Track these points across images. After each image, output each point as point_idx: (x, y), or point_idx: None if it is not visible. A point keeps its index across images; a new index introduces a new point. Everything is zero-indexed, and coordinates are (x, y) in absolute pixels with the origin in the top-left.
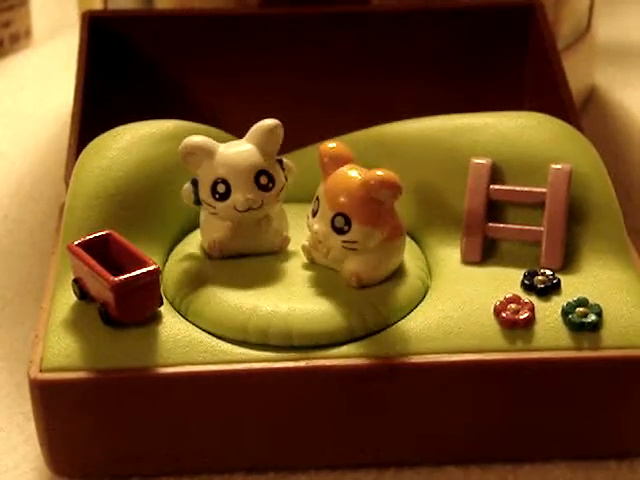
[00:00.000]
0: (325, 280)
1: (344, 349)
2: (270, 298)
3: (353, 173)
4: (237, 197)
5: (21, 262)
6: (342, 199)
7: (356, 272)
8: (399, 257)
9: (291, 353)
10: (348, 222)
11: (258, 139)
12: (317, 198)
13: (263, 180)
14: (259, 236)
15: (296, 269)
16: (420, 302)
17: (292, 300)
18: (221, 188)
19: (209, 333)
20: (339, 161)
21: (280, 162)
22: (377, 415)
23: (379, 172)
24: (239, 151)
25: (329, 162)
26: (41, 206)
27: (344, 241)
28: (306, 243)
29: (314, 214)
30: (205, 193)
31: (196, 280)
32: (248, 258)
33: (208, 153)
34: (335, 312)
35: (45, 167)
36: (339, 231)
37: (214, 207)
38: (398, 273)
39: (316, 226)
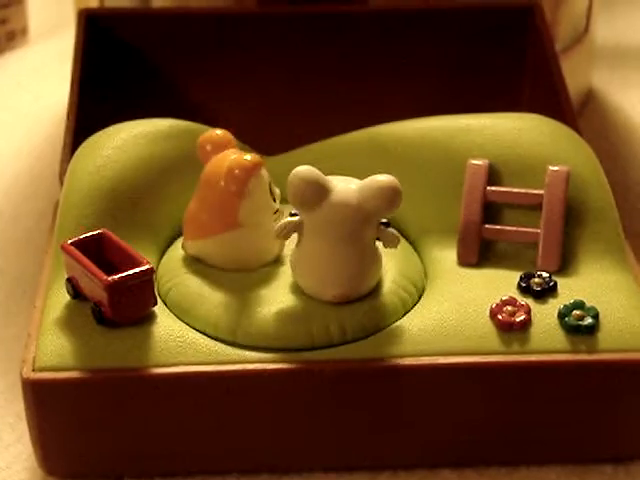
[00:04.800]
0: None
1: (339, 351)
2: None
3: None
4: None
5: (15, 260)
6: None
7: None
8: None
9: (285, 354)
10: None
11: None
12: None
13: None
14: None
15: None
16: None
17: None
18: None
19: (200, 332)
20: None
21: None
22: (371, 417)
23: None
24: None
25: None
26: (35, 204)
27: None
28: None
29: None
30: None
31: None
32: None
33: None
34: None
35: (40, 165)
36: None
37: None
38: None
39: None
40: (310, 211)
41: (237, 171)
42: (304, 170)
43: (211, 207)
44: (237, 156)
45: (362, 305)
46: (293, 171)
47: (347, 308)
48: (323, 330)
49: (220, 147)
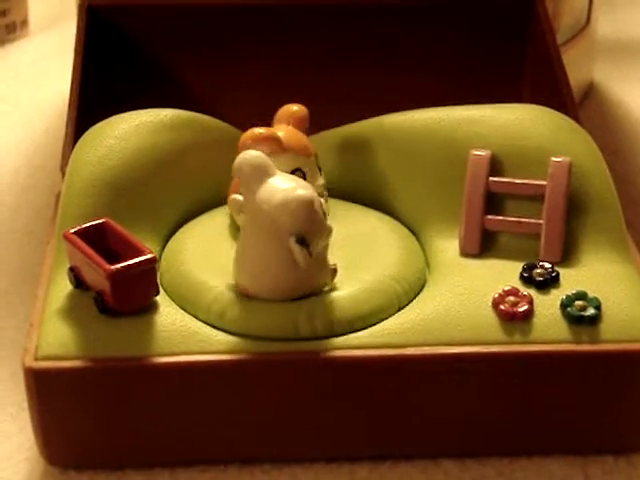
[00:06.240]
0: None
1: (341, 340)
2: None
3: None
4: None
5: (17, 251)
6: None
7: None
8: None
9: (288, 343)
10: None
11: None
12: None
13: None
14: None
15: None
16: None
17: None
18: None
19: (204, 323)
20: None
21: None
22: (373, 407)
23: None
24: None
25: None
26: (37, 195)
27: None
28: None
29: None
30: None
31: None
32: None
33: None
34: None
35: (41, 156)
36: None
37: None
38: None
39: None
40: (245, 194)
41: (249, 141)
42: (252, 153)
43: None
44: (257, 128)
45: (257, 306)
46: (243, 152)
47: (243, 303)
48: (217, 313)
49: (297, 121)
